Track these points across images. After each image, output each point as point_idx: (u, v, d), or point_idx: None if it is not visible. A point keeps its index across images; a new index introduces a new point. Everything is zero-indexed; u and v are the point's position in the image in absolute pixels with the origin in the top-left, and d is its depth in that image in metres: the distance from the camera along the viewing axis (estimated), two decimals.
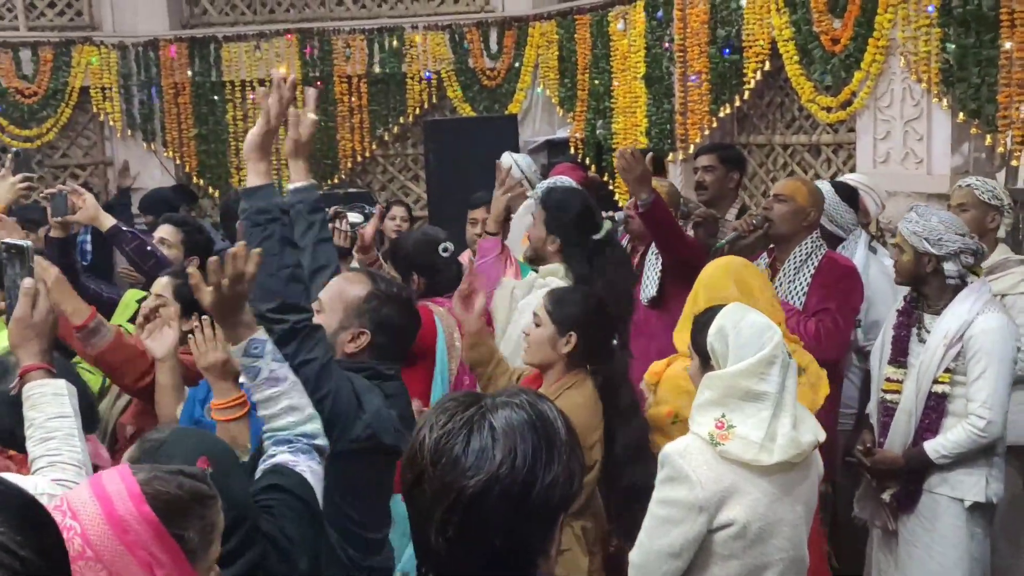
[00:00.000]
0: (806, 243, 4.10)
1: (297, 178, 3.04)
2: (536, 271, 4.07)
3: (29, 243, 2.46)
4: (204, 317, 2.84)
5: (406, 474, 1.44)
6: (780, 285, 4.10)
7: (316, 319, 2.67)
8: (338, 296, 2.73)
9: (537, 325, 3.26)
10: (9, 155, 4.39)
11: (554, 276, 3.92)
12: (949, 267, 3.58)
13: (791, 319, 3.89)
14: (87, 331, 3.17)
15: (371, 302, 2.70)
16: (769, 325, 2.70)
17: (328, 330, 2.66)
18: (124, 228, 4.21)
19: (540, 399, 1.48)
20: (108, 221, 4.16)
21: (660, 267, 4.46)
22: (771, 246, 4.28)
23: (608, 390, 3.26)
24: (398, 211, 6.29)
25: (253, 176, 2.52)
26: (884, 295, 4.28)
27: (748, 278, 3.40)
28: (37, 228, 4.82)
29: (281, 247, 2.44)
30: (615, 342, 3.33)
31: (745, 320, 2.68)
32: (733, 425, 2.56)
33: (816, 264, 4.06)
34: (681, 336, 3.27)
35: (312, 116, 2.96)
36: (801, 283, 4.05)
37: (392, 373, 2.70)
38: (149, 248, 4.20)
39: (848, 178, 4.90)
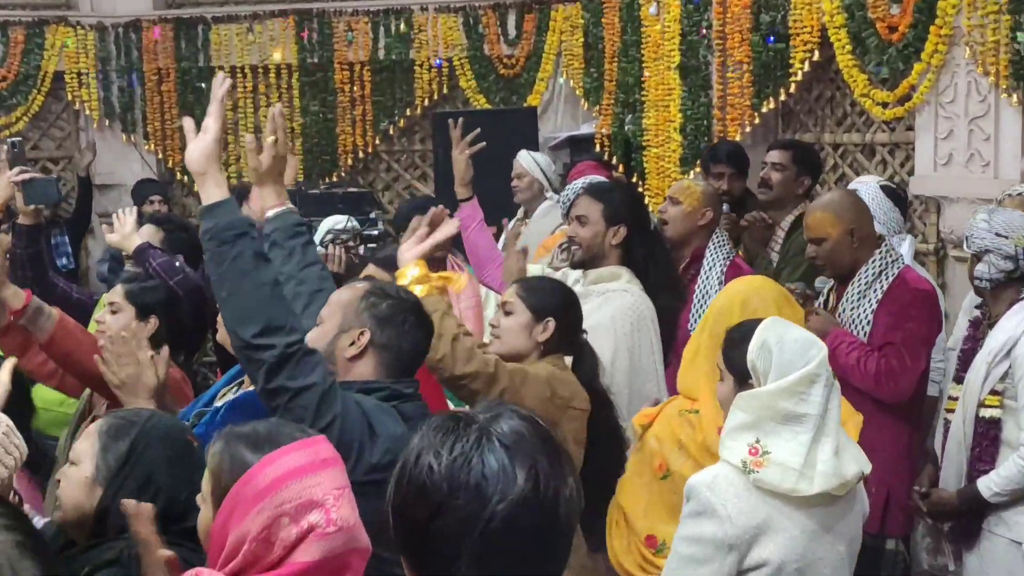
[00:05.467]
0: (875, 259, 3.97)
1: (269, 205, 3.13)
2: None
3: None
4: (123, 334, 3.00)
5: (418, 509, 1.45)
6: (843, 312, 3.99)
7: (316, 332, 2.74)
8: (336, 301, 2.79)
9: (508, 313, 3.32)
10: (4, 146, 4.46)
11: (612, 283, 3.81)
12: (980, 268, 3.59)
13: (851, 354, 3.83)
14: (30, 313, 3.30)
15: (369, 298, 2.75)
16: (814, 341, 2.72)
17: (327, 338, 2.72)
18: (152, 246, 4.32)
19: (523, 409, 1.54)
20: (135, 242, 4.27)
21: None
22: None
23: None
24: None
25: (212, 189, 2.54)
26: None
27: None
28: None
29: (255, 264, 2.47)
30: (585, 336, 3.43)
31: (789, 334, 2.70)
32: (768, 451, 2.56)
33: (887, 285, 3.93)
34: (690, 374, 3.22)
35: (271, 139, 3.07)
36: (866, 309, 3.93)
37: (411, 392, 2.72)
38: (178, 264, 4.29)
39: (865, 181, 4.87)
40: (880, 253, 4.00)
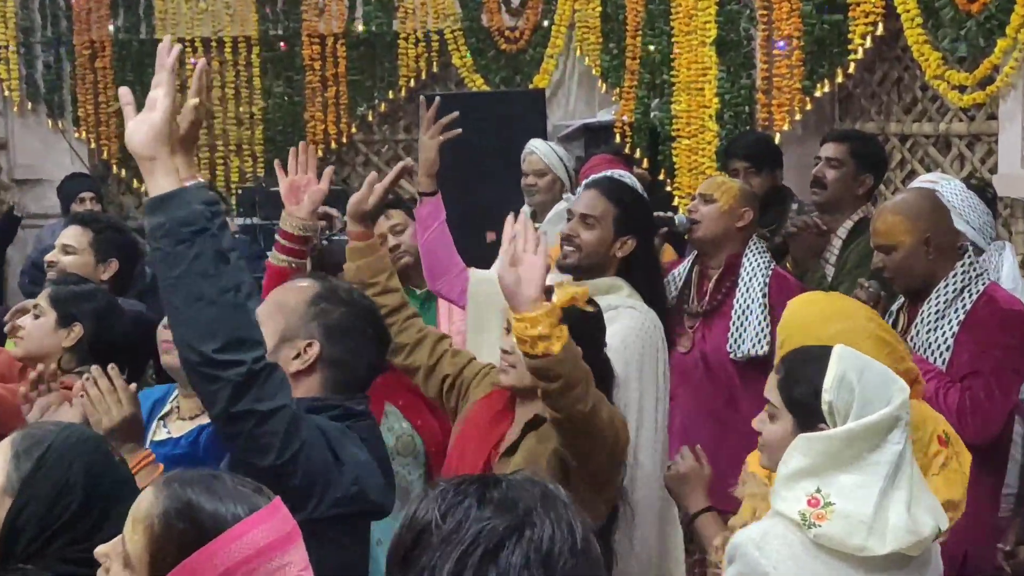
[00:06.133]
0: (955, 274, 3.94)
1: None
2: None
3: None
4: (96, 367, 3.04)
5: (404, 536, 1.55)
6: (917, 335, 3.97)
7: None
8: (277, 303, 2.80)
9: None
10: None
11: (610, 295, 3.85)
12: None
13: (928, 384, 3.77)
14: None
15: (319, 304, 2.76)
16: (894, 376, 2.73)
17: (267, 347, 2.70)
18: None
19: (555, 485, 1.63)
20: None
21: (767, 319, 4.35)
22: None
23: None
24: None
25: (163, 179, 2.48)
26: None
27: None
28: None
29: (217, 265, 2.44)
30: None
31: (869, 368, 2.71)
32: (832, 502, 2.57)
33: (970, 304, 3.91)
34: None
35: (193, 101, 3.05)
36: (945, 331, 3.91)
37: (362, 409, 2.77)
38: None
39: (933, 179, 4.85)
40: (962, 266, 3.96)
